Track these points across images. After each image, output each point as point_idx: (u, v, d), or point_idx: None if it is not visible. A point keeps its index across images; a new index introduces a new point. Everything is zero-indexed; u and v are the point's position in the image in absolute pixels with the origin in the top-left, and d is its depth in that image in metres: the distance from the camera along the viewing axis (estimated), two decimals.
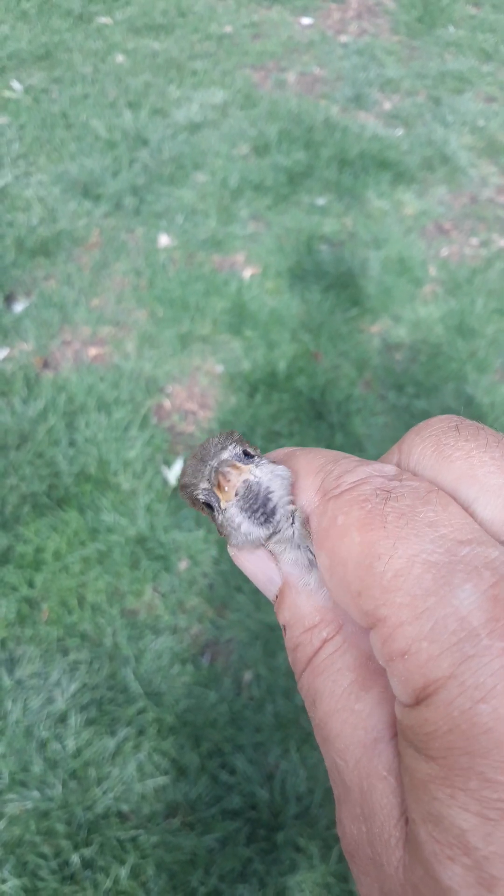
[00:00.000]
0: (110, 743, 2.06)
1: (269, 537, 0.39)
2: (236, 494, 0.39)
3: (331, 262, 3.41)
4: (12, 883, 1.84)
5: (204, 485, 0.40)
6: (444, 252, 3.61)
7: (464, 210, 3.84)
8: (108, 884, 1.85)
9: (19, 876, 1.85)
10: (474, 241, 3.68)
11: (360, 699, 0.34)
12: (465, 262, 3.55)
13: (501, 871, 0.27)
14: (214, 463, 0.40)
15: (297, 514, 0.39)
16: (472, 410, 2.91)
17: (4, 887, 1.84)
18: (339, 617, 0.36)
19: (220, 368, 2.98)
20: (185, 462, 0.45)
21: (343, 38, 5.05)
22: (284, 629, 0.37)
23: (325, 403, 2.86)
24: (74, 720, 2.08)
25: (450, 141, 4.15)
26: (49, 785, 1.97)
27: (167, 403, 2.87)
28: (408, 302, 3.32)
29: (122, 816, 1.96)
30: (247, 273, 3.35)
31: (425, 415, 2.87)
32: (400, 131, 4.25)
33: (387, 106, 4.45)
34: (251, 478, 0.39)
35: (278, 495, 0.39)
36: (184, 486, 0.42)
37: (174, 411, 2.85)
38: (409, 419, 2.87)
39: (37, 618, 2.29)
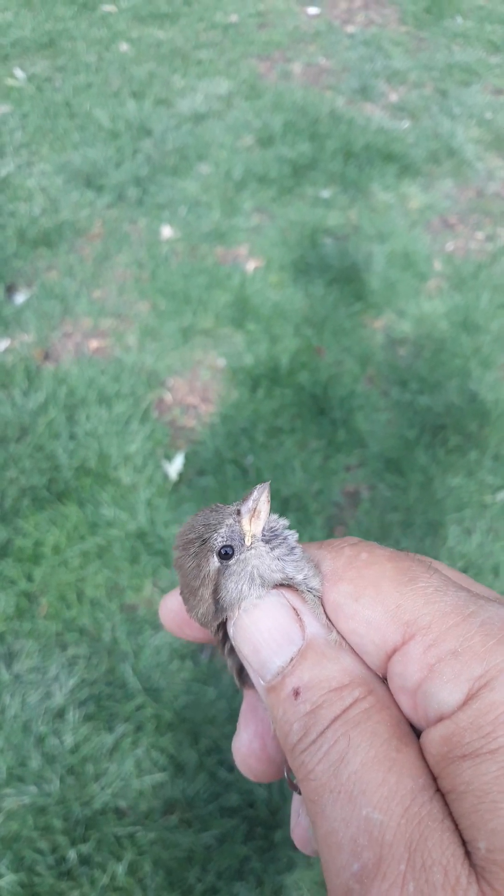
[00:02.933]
0: (108, 739, 2.05)
1: (295, 579, 0.38)
2: (260, 539, 0.39)
3: (335, 256, 3.39)
4: (9, 878, 1.84)
5: (229, 521, 0.40)
6: (450, 246, 3.59)
7: (470, 204, 3.81)
8: (105, 880, 1.85)
9: (16, 871, 1.85)
10: (480, 235, 3.66)
11: (401, 751, 0.32)
12: (470, 257, 3.53)
13: None
14: (238, 506, 0.40)
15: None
16: (476, 407, 2.89)
17: (1, 882, 1.84)
18: (368, 681, 0.35)
19: (222, 362, 2.96)
20: (177, 555, 0.44)
21: (350, 29, 5.02)
22: (296, 693, 0.35)
23: (328, 399, 2.84)
24: (72, 715, 2.08)
25: (456, 134, 4.13)
26: (47, 780, 1.97)
27: (168, 397, 2.86)
28: (412, 297, 3.30)
29: (119, 813, 1.95)
30: (250, 266, 3.33)
31: (428, 411, 2.86)
32: (406, 124, 4.23)
33: (393, 98, 4.42)
34: (274, 523, 0.40)
35: (295, 538, 0.40)
36: (195, 539, 0.41)
37: (175, 405, 2.84)
38: (412, 416, 2.85)
39: (35, 612, 2.28)
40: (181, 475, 2.62)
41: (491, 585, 2.47)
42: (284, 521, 0.41)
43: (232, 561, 0.39)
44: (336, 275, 3.32)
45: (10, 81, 4.10)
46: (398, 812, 0.30)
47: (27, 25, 4.53)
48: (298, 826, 0.42)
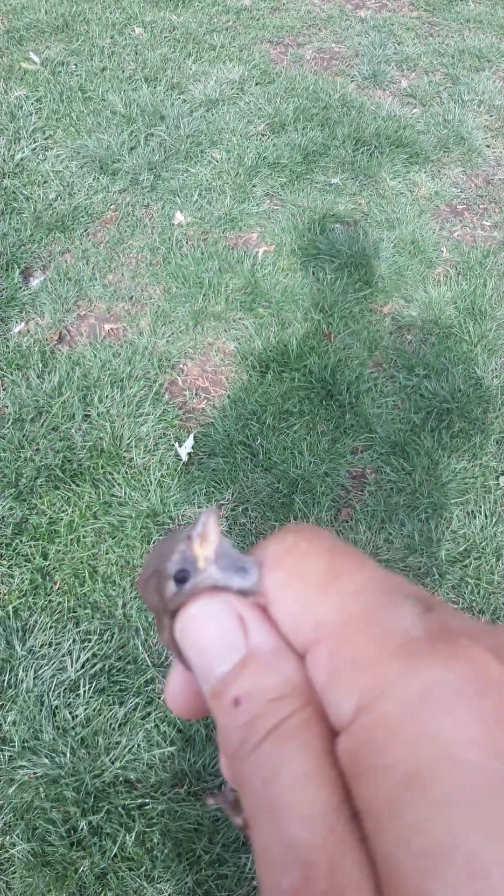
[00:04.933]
0: (119, 712, 2.10)
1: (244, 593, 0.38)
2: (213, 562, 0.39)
3: (344, 242, 3.42)
4: (21, 847, 1.89)
5: (181, 547, 0.39)
6: (457, 233, 3.61)
7: (478, 191, 3.83)
8: (114, 850, 1.90)
9: (28, 841, 1.90)
10: (487, 223, 3.68)
11: (333, 765, 0.31)
12: (477, 244, 3.56)
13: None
14: (189, 532, 0.40)
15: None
16: (481, 392, 2.93)
17: (14, 851, 1.89)
18: (308, 692, 0.33)
19: (232, 346, 3.00)
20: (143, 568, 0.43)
21: (362, 13, 5.01)
22: (237, 702, 0.34)
23: (336, 383, 2.88)
24: (84, 689, 2.13)
25: (466, 121, 4.14)
26: (59, 752, 2.02)
27: (180, 380, 2.90)
28: (420, 283, 3.33)
29: (129, 784, 2.00)
30: (260, 251, 3.36)
31: (434, 396, 2.89)
32: (416, 110, 4.24)
33: (403, 84, 4.43)
34: (226, 548, 0.40)
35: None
36: (152, 574, 0.41)
37: (187, 388, 2.88)
38: (418, 400, 2.89)
39: (49, 588, 2.33)
40: (191, 456, 2.67)
41: (493, 568, 2.52)
42: (236, 551, 0.39)
43: (188, 586, 0.38)
44: (345, 260, 3.35)
45: (25, 65, 4.12)
46: (323, 831, 0.29)
47: (41, 7, 4.53)
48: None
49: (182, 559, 0.39)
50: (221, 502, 2.57)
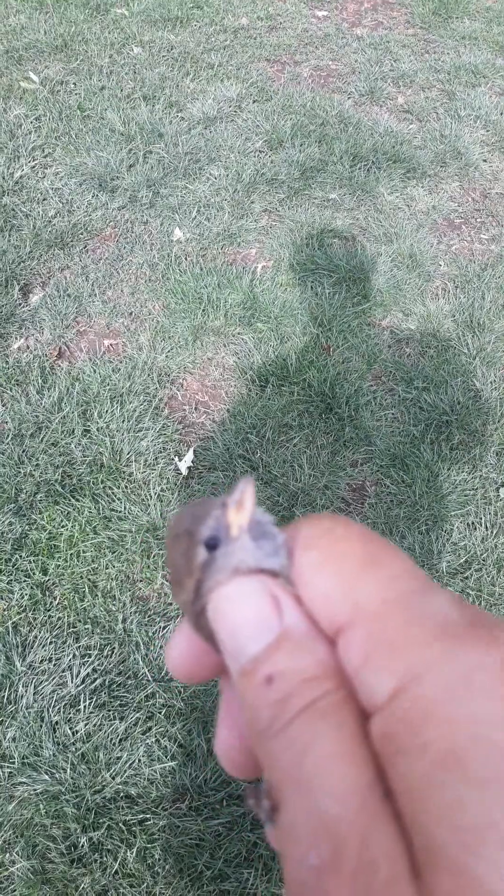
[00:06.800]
0: (120, 727, 2.09)
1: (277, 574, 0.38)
2: (246, 531, 0.39)
3: (342, 257, 3.43)
4: (21, 865, 1.88)
5: (216, 512, 0.39)
6: (455, 247, 3.63)
7: (475, 205, 3.85)
8: (115, 866, 1.89)
9: (28, 858, 1.89)
10: (485, 236, 3.69)
11: (365, 744, 0.31)
12: (475, 258, 3.57)
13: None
14: (224, 499, 0.40)
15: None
16: (479, 404, 2.93)
17: (14, 869, 1.88)
18: (340, 674, 0.34)
19: (231, 361, 3.01)
20: (171, 527, 0.42)
21: (358, 31, 5.06)
22: (269, 680, 0.34)
23: (335, 396, 2.88)
24: (84, 704, 2.12)
25: (462, 136, 4.16)
26: (59, 768, 2.01)
27: (179, 395, 2.90)
28: (418, 296, 3.34)
29: (130, 800, 1.99)
30: (259, 266, 3.38)
31: (434, 408, 2.90)
32: (413, 126, 4.26)
33: (400, 100, 4.46)
34: (261, 517, 0.40)
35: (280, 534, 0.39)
36: (182, 533, 0.40)
37: (186, 403, 2.88)
38: (417, 412, 2.89)
39: (49, 603, 2.33)
40: (191, 470, 2.67)
41: (494, 580, 2.51)
42: (269, 517, 0.40)
43: (219, 552, 0.38)
44: (343, 275, 3.36)
45: (24, 84, 4.15)
46: (355, 806, 0.30)
47: (41, 28, 4.58)
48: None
49: (216, 525, 0.39)
50: None
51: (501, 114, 4.38)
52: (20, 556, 2.40)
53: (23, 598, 2.32)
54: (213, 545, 0.39)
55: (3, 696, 2.13)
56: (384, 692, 0.31)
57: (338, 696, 0.33)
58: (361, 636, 0.33)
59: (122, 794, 1.99)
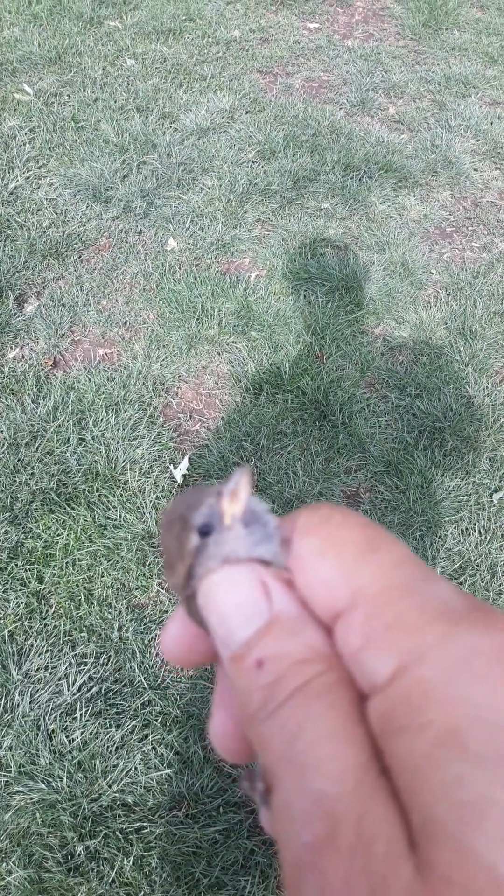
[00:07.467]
0: (116, 735, 2.09)
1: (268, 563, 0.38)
2: (240, 521, 0.39)
3: (335, 265, 3.45)
4: (18, 874, 1.87)
5: (210, 500, 0.40)
6: (447, 255, 3.65)
7: (466, 214, 3.87)
8: (112, 875, 1.88)
9: (25, 867, 1.88)
10: (476, 244, 3.71)
11: (358, 725, 0.32)
12: (467, 265, 3.59)
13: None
14: (219, 487, 0.40)
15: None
16: (472, 411, 2.95)
17: (10, 878, 1.88)
18: (331, 657, 0.34)
19: (226, 369, 3.02)
20: (165, 518, 0.42)
21: (349, 43, 5.09)
22: (259, 663, 0.34)
23: (329, 404, 2.90)
24: (81, 713, 2.12)
25: (453, 145, 4.19)
26: (55, 777, 2.01)
27: (174, 403, 2.91)
28: (410, 304, 3.36)
29: (127, 808, 1.99)
30: (252, 276, 3.39)
31: (427, 415, 2.91)
32: (404, 136, 4.29)
33: (391, 111, 4.49)
34: (256, 506, 0.40)
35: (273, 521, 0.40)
36: (177, 518, 0.40)
37: (181, 411, 2.89)
38: (410, 419, 2.91)
39: (45, 612, 2.33)
40: (186, 478, 2.68)
41: (488, 585, 2.52)
42: (265, 505, 0.40)
43: (211, 539, 0.39)
44: (336, 283, 3.38)
45: (18, 96, 4.17)
46: (350, 784, 0.30)
47: (35, 41, 4.59)
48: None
49: (209, 513, 0.39)
50: None
51: (491, 123, 4.41)
52: (16, 565, 2.40)
53: (19, 606, 2.32)
54: (206, 532, 0.39)
55: (0, 706, 2.13)
56: (384, 673, 0.31)
57: (330, 678, 0.33)
58: (361, 619, 0.33)
59: (118, 803, 1.99)
